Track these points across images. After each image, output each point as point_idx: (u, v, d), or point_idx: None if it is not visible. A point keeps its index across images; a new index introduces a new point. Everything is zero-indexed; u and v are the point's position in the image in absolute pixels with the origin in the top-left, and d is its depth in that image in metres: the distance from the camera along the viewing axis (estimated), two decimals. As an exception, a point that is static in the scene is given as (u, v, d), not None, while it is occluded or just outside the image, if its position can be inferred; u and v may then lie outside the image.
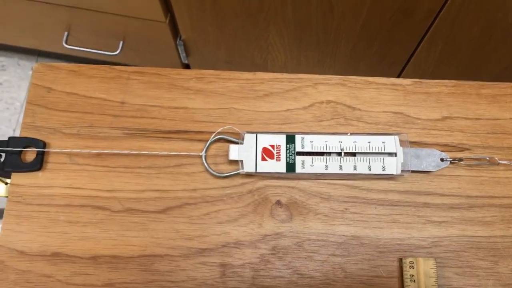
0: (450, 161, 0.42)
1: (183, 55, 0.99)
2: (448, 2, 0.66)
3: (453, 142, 0.43)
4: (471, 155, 0.43)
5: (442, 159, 0.42)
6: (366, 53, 0.85)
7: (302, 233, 0.41)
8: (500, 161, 0.42)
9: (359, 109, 0.44)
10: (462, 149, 0.43)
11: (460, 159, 0.42)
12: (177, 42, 0.94)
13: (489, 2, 0.65)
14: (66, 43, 1.00)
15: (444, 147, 0.43)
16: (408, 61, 0.86)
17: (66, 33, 0.99)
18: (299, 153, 0.41)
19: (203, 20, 0.86)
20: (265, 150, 0.41)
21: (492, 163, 0.42)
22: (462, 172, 0.42)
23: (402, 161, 0.41)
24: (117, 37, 0.98)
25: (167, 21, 0.87)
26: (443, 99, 0.44)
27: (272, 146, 0.41)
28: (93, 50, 1.01)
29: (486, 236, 0.40)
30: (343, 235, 0.41)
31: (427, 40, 0.77)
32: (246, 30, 0.86)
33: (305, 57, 0.91)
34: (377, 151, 0.41)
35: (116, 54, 1.00)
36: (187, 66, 1.07)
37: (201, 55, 1.01)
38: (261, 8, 0.77)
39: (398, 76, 0.91)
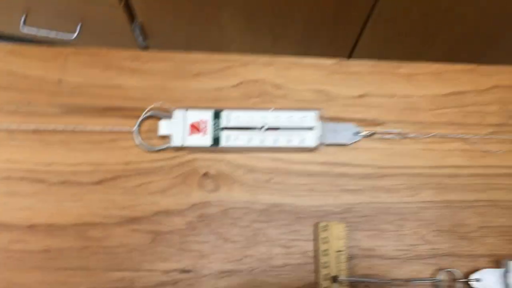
0: (364, 135, 0.46)
1: (139, 38, 1.00)
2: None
3: (369, 118, 0.47)
4: (384, 129, 0.46)
5: (357, 133, 0.45)
6: (316, 35, 0.89)
7: (227, 202, 0.44)
8: (409, 135, 0.46)
9: (285, 88, 0.48)
10: (377, 124, 0.47)
11: (373, 133, 0.46)
12: (133, 26, 0.96)
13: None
14: (24, 25, 1.00)
15: (361, 122, 0.47)
16: (357, 42, 0.89)
17: (24, 16, 1.00)
18: (225, 128, 0.44)
19: (158, 4, 0.88)
20: (193, 125, 0.44)
21: (402, 136, 0.46)
22: (376, 144, 0.46)
23: (320, 135, 0.44)
24: (75, 20, 0.99)
25: (122, 4, 0.89)
26: (362, 78, 0.48)
27: (200, 122, 0.44)
28: (51, 32, 1.02)
29: (393, 202, 0.44)
30: (265, 203, 0.44)
31: (371, 22, 0.81)
32: (200, 14, 0.88)
33: (259, 39, 0.94)
34: (296, 125, 0.44)
35: (74, 38, 1.01)
36: (146, 49, 1.09)
37: (159, 39, 1.02)
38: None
39: (349, 57, 0.95)
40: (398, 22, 0.79)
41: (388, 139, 0.46)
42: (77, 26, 0.99)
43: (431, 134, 0.46)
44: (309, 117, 0.44)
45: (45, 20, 1.00)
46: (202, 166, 0.45)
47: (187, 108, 0.45)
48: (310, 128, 0.44)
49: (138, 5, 0.89)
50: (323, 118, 0.45)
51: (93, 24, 0.99)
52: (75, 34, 1.00)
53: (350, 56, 0.95)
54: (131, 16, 0.94)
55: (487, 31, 0.78)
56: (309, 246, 0.43)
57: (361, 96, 0.48)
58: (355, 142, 0.46)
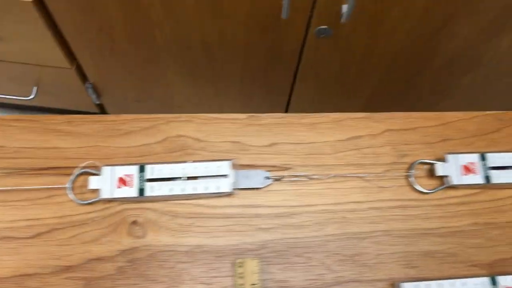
0: (273, 179, 0.52)
1: (93, 96, 1.07)
2: (306, 44, 0.79)
3: (279, 163, 0.53)
4: (292, 173, 0.53)
5: (267, 177, 0.52)
6: (252, 90, 0.97)
7: (154, 246, 0.49)
8: (314, 176, 0.53)
9: (204, 141, 0.54)
10: (285, 168, 0.53)
11: (282, 177, 0.52)
12: (86, 85, 1.02)
13: (340, 43, 0.78)
14: (-20, 90, 1.05)
15: (272, 167, 0.53)
16: (290, 97, 0.98)
17: (-20, 81, 1.05)
18: (149, 180, 0.50)
19: (107, 66, 0.95)
20: (120, 179, 0.50)
21: (308, 178, 0.53)
22: (286, 187, 0.52)
23: (233, 181, 0.50)
24: (31, 83, 1.05)
25: (74, 67, 0.96)
26: (272, 129, 0.55)
27: (127, 175, 0.50)
28: (8, 96, 1.07)
29: (302, 237, 0.50)
30: (188, 245, 0.49)
31: (299, 77, 0.90)
32: (147, 73, 0.95)
33: (203, 93, 1.02)
34: (213, 174, 0.50)
35: (31, 99, 1.06)
36: (100, 106, 1.15)
37: (112, 96, 1.09)
38: (153, 54, 0.87)
39: (286, 109, 1.03)
40: (323, 74, 0.88)
41: (296, 181, 0.53)
42: (32, 88, 1.05)
43: (332, 175, 0.53)
44: (223, 166, 0.51)
45: (1, 84, 1.06)
46: (130, 215, 0.50)
47: (115, 164, 0.50)
48: (225, 176, 0.51)
49: (88, 68, 0.96)
50: (236, 166, 0.52)
51: (48, 85, 1.05)
52: (32, 96, 1.06)
53: (287, 109, 1.03)
54: (83, 77, 1.01)
55: (403, 77, 0.88)
56: (228, 281, 0.48)
57: (271, 144, 0.54)
58: (266, 185, 0.52)
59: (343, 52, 0.81)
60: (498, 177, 0.52)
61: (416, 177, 0.53)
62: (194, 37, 0.81)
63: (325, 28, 0.73)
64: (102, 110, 1.19)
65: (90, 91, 1.04)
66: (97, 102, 1.11)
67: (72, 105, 1.17)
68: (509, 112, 0.57)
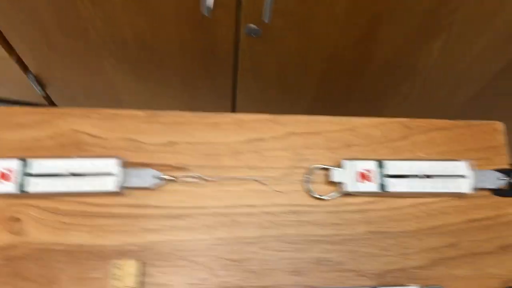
0: (165, 179, 0.50)
1: (38, 88, 1.05)
2: (239, 43, 0.77)
3: (174, 163, 0.52)
4: (187, 174, 0.51)
5: (158, 177, 0.50)
6: (196, 89, 0.95)
7: (33, 244, 0.47)
8: (208, 178, 0.51)
9: (99, 137, 0.52)
10: (181, 169, 0.52)
11: (174, 178, 0.51)
12: (28, 76, 1.00)
13: (272, 44, 0.77)
14: None
15: (167, 167, 0.52)
16: (234, 95, 0.96)
17: None
18: (32, 175, 0.48)
19: (45, 58, 0.93)
20: (2, 174, 0.48)
21: (203, 179, 0.51)
22: (180, 187, 0.51)
23: (120, 180, 0.49)
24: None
25: (13, 57, 0.93)
26: (171, 127, 0.53)
27: (8, 170, 0.48)
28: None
29: (190, 240, 0.49)
30: (70, 244, 0.48)
31: (240, 76, 0.88)
32: (85, 66, 0.93)
33: (147, 89, 1.00)
34: (99, 172, 0.49)
35: (-28, 88, 1.04)
36: (47, 97, 1.13)
37: (58, 88, 1.07)
38: (90, 48, 0.85)
39: (233, 110, 1.02)
40: (262, 76, 0.86)
41: (191, 182, 0.51)
42: (-27, 78, 1.03)
43: (228, 177, 0.51)
44: (110, 164, 0.49)
45: None
46: (11, 211, 0.48)
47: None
48: (111, 174, 0.49)
49: (28, 59, 0.94)
50: (129, 164, 0.50)
51: (-10, 75, 1.02)
52: (-28, 86, 1.03)
53: (233, 110, 1.01)
54: (25, 67, 0.98)
55: (343, 81, 0.87)
56: (108, 283, 0.47)
57: (169, 143, 0.53)
58: (159, 186, 0.50)
59: (277, 54, 0.80)
60: (394, 185, 0.50)
61: (314, 183, 0.52)
62: (127, 33, 0.79)
63: (254, 27, 0.71)
64: (51, 102, 1.17)
65: (34, 82, 1.02)
66: (43, 94, 1.08)
67: (18, 95, 1.14)
68: (416, 119, 0.56)
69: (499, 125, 0.56)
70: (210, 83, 0.93)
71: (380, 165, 0.51)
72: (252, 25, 0.72)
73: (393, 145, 0.55)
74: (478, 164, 0.53)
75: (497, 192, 0.52)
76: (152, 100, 1.05)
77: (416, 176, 0.51)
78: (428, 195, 0.52)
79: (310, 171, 0.52)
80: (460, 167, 0.51)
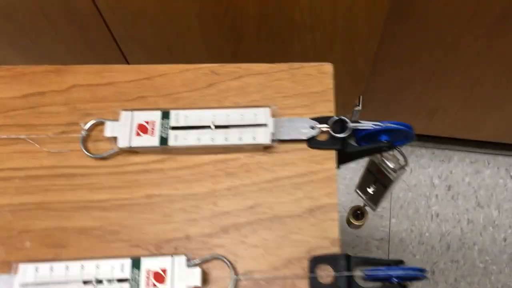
0: None
1: None
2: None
3: None
4: None
5: None
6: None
7: None
8: (-33, 138, 0.44)
9: None
10: None
11: None
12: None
13: None
14: None
15: None
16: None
17: None
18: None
19: None
20: None
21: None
22: None
23: None
24: None
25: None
26: None
27: None
28: None
29: None
30: None
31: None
32: None
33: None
34: None
35: None
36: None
37: None
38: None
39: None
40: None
41: (-49, 144, 0.44)
42: None
43: (-9, 137, 0.44)
44: None
45: None
46: None
47: None
48: None
49: None
50: None
51: None
52: None
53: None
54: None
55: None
56: None
57: None
58: None
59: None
60: (177, 138, 0.42)
61: (96, 141, 0.44)
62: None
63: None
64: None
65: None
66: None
67: None
68: (229, 64, 0.47)
69: (328, 67, 0.47)
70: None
71: (165, 116, 0.43)
72: None
73: (195, 94, 0.46)
74: (293, 113, 0.45)
75: (313, 144, 0.43)
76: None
77: (206, 127, 0.43)
78: (228, 150, 0.43)
79: (87, 128, 0.44)
80: (260, 115, 0.43)
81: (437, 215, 1.14)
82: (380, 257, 1.11)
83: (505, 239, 1.11)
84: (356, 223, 0.78)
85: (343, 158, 0.46)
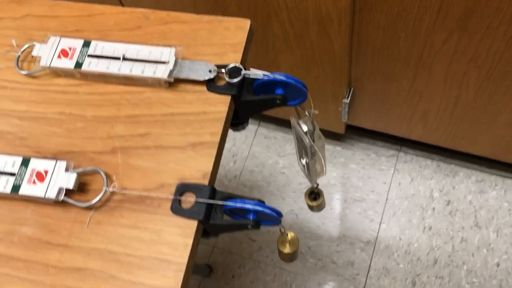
0: None
1: None
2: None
3: None
4: None
5: None
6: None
7: None
8: None
9: None
10: None
11: None
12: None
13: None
14: None
15: None
16: None
17: None
18: None
19: None
20: None
21: None
22: None
23: None
24: None
25: None
26: None
27: None
28: None
29: None
30: None
31: None
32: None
33: None
34: None
35: None
36: None
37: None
38: None
39: None
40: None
41: None
42: None
43: (-51, 47, 0.52)
44: None
45: None
46: None
47: None
48: None
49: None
50: None
51: None
52: None
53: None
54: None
55: None
56: None
57: None
58: None
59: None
60: (90, 64, 0.47)
61: (30, 61, 0.51)
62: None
63: None
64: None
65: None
66: None
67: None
68: (161, 12, 0.52)
69: (245, 23, 0.50)
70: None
71: (86, 45, 0.48)
72: None
73: (125, 34, 0.51)
74: (203, 59, 0.48)
75: (211, 88, 0.47)
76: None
77: (118, 58, 0.47)
78: (136, 83, 0.48)
79: (23, 49, 0.51)
80: (165, 53, 0.47)
81: (430, 228, 1.10)
82: (363, 259, 1.09)
83: (498, 264, 1.05)
84: (312, 204, 0.79)
85: (245, 108, 0.48)
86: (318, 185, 0.73)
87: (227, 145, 1.22)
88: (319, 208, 0.81)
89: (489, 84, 0.76)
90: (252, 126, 1.28)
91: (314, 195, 0.78)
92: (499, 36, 0.65)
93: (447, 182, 1.14)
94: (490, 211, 1.10)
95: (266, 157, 1.23)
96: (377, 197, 1.15)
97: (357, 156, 1.20)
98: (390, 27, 0.71)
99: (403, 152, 1.19)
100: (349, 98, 0.92)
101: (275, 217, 0.42)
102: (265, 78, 0.45)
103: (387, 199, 1.15)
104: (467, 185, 1.13)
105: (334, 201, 1.16)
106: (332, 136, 1.20)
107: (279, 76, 0.44)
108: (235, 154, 1.25)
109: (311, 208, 0.81)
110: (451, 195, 1.13)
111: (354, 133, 1.21)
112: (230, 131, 0.50)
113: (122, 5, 0.91)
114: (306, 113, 0.51)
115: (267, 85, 0.46)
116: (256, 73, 0.45)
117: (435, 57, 0.75)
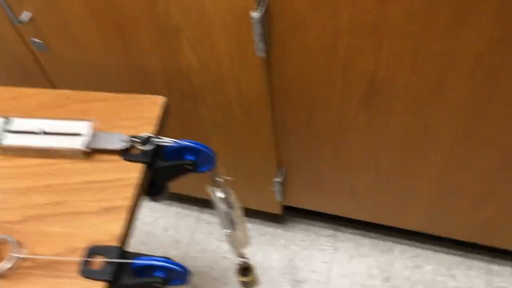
0: None
1: None
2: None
3: None
4: None
5: None
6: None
7: None
8: None
9: None
10: None
11: None
12: None
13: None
14: None
15: None
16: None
17: None
18: None
19: None
20: None
21: None
22: None
23: None
24: None
25: None
26: None
27: None
28: None
29: None
30: None
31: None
32: None
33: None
34: None
35: None
36: None
37: None
38: None
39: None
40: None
41: None
42: None
43: None
44: None
45: None
46: None
47: None
48: None
49: None
50: None
51: None
52: None
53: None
54: None
55: None
56: None
57: None
58: None
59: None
60: (8, 139, 0.50)
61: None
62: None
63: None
64: None
65: None
66: None
67: None
68: (82, 92, 0.56)
69: (159, 99, 0.55)
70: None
71: (7, 122, 0.51)
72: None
73: (48, 112, 0.55)
74: (121, 132, 0.52)
75: (126, 156, 0.50)
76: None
77: (37, 133, 0.50)
78: (54, 156, 0.51)
79: None
80: (80, 126, 0.50)
81: (372, 306, 1.11)
82: None
83: None
84: (244, 279, 0.79)
85: (160, 174, 0.52)
86: (247, 259, 0.75)
87: (170, 232, 1.22)
88: (252, 285, 0.81)
89: (399, 155, 0.83)
90: (195, 213, 1.29)
91: (244, 271, 0.79)
92: (400, 111, 0.74)
93: (384, 259, 1.17)
94: (427, 285, 1.13)
95: (208, 242, 1.23)
96: (319, 277, 1.16)
97: (297, 237, 1.23)
98: (306, 106, 0.79)
99: (340, 232, 1.22)
100: (283, 177, 0.97)
101: (183, 274, 0.43)
102: (175, 145, 0.49)
103: (329, 278, 1.16)
104: (403, 261, 1.17)
105: (277, 284, 1.16)
106: (273, 219, 1.23)
107: (186, 142, 0.48)
108: (178, 241, 1.24)
109: (244, 285, 0.81)
110: (389, 272, 1.15)
111: (295, 215, 1.25)
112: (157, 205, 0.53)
113: (55, 87, 0.95)
114: (217, 179, 0.54)
115: (179, 153, 0.50)
116: (166, 140, 0.49)
117: (350, 132, 0.82)
